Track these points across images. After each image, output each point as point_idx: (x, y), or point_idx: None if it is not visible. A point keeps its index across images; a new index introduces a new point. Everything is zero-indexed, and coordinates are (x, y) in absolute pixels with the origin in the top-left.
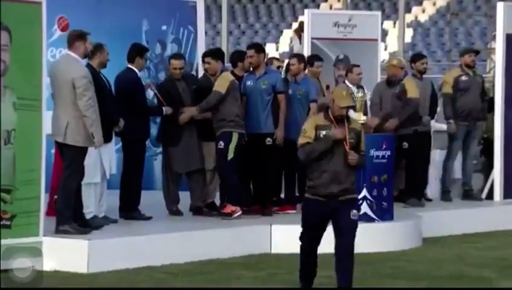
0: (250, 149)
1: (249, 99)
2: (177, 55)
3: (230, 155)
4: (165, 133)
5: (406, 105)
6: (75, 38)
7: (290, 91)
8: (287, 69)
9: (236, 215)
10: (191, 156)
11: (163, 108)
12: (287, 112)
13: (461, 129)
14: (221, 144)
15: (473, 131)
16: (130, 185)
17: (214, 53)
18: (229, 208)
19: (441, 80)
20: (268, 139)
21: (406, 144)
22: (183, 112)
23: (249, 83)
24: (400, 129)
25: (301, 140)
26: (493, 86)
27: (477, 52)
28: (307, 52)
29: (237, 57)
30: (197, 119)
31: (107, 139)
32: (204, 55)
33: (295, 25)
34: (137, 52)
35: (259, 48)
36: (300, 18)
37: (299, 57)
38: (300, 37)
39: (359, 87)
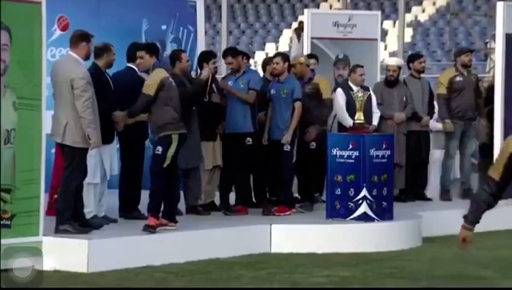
0: (230, 149)
1: (229, 99)
2: (182, 50)
3: (167, 162)
4: None
5: (321, 106)
6: (79, 38)
7: (272, 91)
8: (264, 68)
9: (160, 228)
10: (192, 153)
11: None
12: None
13: (457, 128)
14: (159, 149)
15: (468, 130)
16: (130, 185)
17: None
18: (153, 221)
19: None
20: (248, 139)
21: (313, 144)
22: (114, 118)
23: (229, 83)
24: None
25: (491, 171)
26: (493, 86)
27: (472, 51)
28: (306, 51)
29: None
30: (129, 123)
31: (108, 139)
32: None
33: (295, 25)
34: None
35: (235, 52)
36: (300, 18)
37: (283, 56)
38: (299, 36)
39: (363, 88)
